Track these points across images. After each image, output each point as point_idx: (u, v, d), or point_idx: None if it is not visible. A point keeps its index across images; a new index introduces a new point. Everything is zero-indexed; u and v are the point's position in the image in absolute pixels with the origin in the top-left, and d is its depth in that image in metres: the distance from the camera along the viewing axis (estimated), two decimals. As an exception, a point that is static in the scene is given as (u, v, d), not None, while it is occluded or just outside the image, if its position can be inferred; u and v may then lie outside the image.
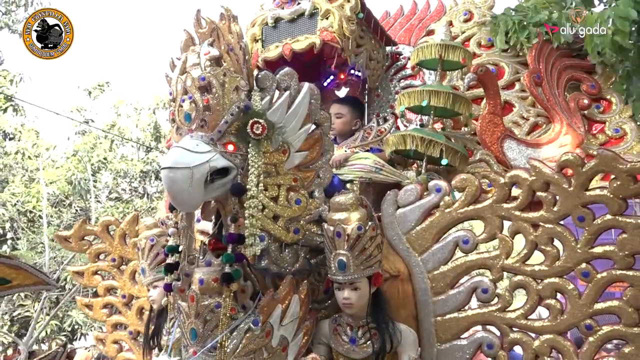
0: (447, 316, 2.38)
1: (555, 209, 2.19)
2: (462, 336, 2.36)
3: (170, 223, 2.11)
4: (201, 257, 2.03)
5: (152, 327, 2.68)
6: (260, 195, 1.99)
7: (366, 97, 3.49)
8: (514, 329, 2.28)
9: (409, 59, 3.38)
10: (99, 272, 3.31)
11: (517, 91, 3.07)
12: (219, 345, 1.88)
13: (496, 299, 2.33)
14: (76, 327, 9.22)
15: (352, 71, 3.40)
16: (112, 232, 3.23)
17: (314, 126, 2.23)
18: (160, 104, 11.55)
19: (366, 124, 3.31)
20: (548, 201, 2.21)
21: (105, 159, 10.67)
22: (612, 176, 2.09)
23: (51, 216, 9.60)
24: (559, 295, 2.23)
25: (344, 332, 2.12)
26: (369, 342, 2.06)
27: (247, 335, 1.91)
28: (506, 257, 2.31)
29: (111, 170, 10.88)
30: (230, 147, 1.98)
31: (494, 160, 2.73)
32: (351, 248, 2.02)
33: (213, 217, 2.26)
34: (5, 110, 10.13)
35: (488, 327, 2.37)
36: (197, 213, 2.99)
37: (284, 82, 2.14)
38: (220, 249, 1.99)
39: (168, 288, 2.03)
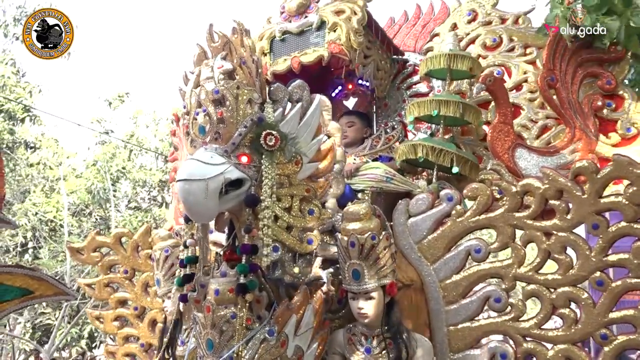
0: (460, 325, 2.38)
1: (568, 217, 2.19)
2: (475, 346, 2.36)
3: (186, 234, 2.13)
4: (216, 268, 2.04)
5: (167, 337, 2.68)
6: (274, 206, 2.01)
7: (374, 106, 3.51)
8: (528, 338, 2.28)
9: (415, 66, 3.39)
10: (110, 285, 3.32)
11: (525, 93, 3.05)
12: (235, 355, 1.88)
13: (509, 308, 2.33)
14: (95, 334, 9.31)
15: (360, 81, 3.43)
16: (124, 244, 3.25)
17: (325, 137, 2.25)
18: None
19: (374, 133, 3.32)
20: (561, 209, 2.21)
21: (124, 168, 10.81)
22: (627, 182, 2.08)
23: (72, 225, 9.75)
24: (573, 305, 2.23)
25: (358, 341, 2.12)
26: (384, 351, 2.06)
27: (263, 345, 1.92)
28: (519, 266, 2.31)
29: (130, 180, 11.02)
30: (244, 159, 2.00)
31: (505, 170, 2.74)
32: (365, 258, 2.03)
33: (226, 229, 2.28)
34: (23, 121, 10.26)
35: (501, 337, 2.36)
36: (211, 224, 3.04)
37: (295, 94, 2.16)
38: (235, 259, 2.00)
39: (184, 299, 2.04)
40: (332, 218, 2.21)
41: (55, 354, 8.61)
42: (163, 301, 2.68)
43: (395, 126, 3.31)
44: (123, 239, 3.26)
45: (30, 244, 9.59)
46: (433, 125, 3.10)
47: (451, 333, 2.38)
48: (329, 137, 2.24)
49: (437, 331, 2.40)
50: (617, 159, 2.09)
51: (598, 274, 2.15)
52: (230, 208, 2.02)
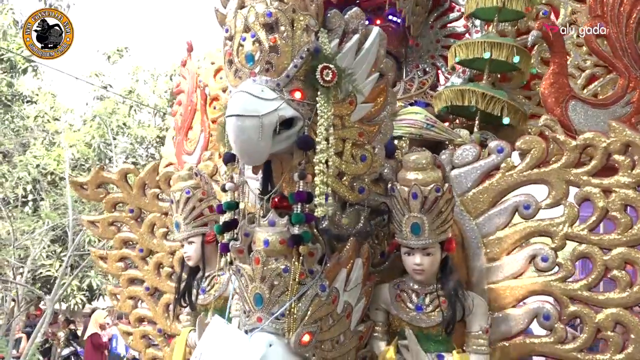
0: (501, 284, 2.26)
1: (635, 172, 2.05)
2: (516, 305, 2.26)
3: (225, 177, 1.91)
4: (262, 216, 1.84)
5: (184, 284, 2.52)
6: (329, 150, 1.80)
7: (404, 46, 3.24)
8: (575, 300, 2.18)
9: (452, 2, 3.12)
10: (115, 223, 3.09)
11: (573, 37, 2.83)
12: (287, 312, 1.73)
13: (556, 268, 2.22)
14: (95, 287, 9.35)
15: (390, 16, 3.13)
16: (130, 182, 3.00)
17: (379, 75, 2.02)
18: (177, 70, 11.43)
19: (404, 75, 3.08)
20: (626, 165, 2.07)
21: (124, 124, 10.69)
22: None
23: (61, 180, 9.54)
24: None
25: (408, 298, 1.99)
26: (437, 309, 1.93)
27: (315, 301, 1.77)
28: (571, 225, 2.19)
29: (130, 136, 10.91)
30: (298, 95, 1.77)
31: (558, 126, 2.56)
32: (428, 211, 1.86)
33: (260, 172, 2.06)
34: (25, 72, 9.98)
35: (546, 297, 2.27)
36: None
37: (352, 23, 1.92)
38: (285, 207, 1.81)
39: (225, 248, 1.85)
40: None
41: (56, 306, 8.56)
42: (182, 246, 2.49)
43: (428, 69, 3.08)
44: (129, 176, 3.00)
45: (30, 197, 9.46)
46: (468, 70, 2.88)
47: (492, 291, 2.26)
48: (382, 75, 2.01)
49: (476, 289, 2.27)
50: None
51: (661, 234, 2.04)
52: (281, 150, 1.80)
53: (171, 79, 11.59)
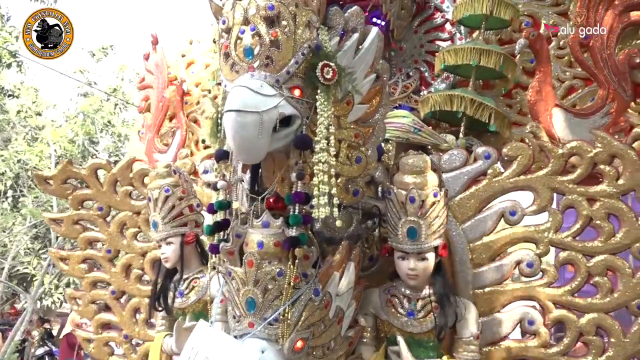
0: (487, 289, 2.26)
1: (619, 182, 2.10)
2: (501, 311, 2.27)
3: (216, 173, 1.81)
4: (255, 217, 1.76)
5: (159, 286, 2.40)
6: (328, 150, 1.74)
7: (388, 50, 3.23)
8: (558, 305, 2.21)
9: (436, 8, 3.13)
10: (80, 222, 2.91)
11: (554, 48, 2.88)
12: (280, 317, 1.65)
13: (541, 274, 2.24)
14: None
15: (374, 19, 3.12)
16: (101, 178, 2.84)
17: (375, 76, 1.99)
18: None
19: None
20: (611, 175, 2.11)
21: (109, 122, 10.56)
22: None
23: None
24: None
25: (400, 304, 1.96)
26: (429, 315, 1.91)
27: (308, 306, 1.70)
28: (555, 231, 2.22)
29: (114, 134, 10.76)
30: (297, 92, 1.71)
31: (543, 132, 2.60)
32: (424, 215, 1.83)
33: (248, 171, 1.99)
34: (9, 66, 9.61)
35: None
36: (205, 164, 2.71)
37: (352, 22, 1.88)
38: (279, 208, 1.74)
39: (214, 249, 1.76)
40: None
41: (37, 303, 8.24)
42: (160, 246, 2.37)
43: (412, 74, 3.07)
44: (100, 172, 2.84)
45: (10, 192, 9.15)
46: (451, 76, 2.89)
47: (477, 296, 2.26)
48: (377, 77, 1.98)
49: (461, 294, 2.26)
50: None
51: (642, 242, 2.09)
52: (276, 149, 1.73)
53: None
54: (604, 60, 2.62)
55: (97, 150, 9.69)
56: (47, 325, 8.60)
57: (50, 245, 7.49)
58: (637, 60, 2.71)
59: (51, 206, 7.93)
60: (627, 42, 2.77)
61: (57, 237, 7.34)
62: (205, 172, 2.67)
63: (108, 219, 2.90)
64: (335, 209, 1.67)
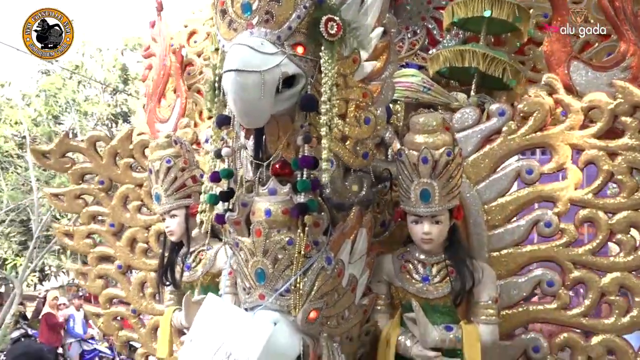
0: (504, 251, 2.19)
1: None
2: (518, 273, 2.20)
3: (214, 141, 1.72)
4: (261, 184, 1.67)
5: (166, 260, 2.34)
6: (333, 111, 1.64)
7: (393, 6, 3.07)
8: (578, 266, 2.13)
9: None
10: (82, 196, 2.84)
11: (570, 2, 2.72)
12: (292, 287, 1.58)
13: (560, 234, 2.16)
14: (45, 268, 8.93)
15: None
16: (100, 151, 2.75)
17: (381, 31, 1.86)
18: (129, 45, 11.09)
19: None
20: (633, 127, 2.01)
21: (73, 100, 10.23)
22: None
23: (18, 157, 9.08)
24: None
25: (414, 270, 1.88)
26: (445, 280, 1.84)
27: (321, 275, 1.63)
28: (575, 189, 2.13)
29: (79, 112, 10.44)
30: (300, 50, 1.59)
31: (560, 85, 2.48)
32: (438, 176, 1.74)
33: (251, 137, 1.89)
34: None
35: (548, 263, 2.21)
36: (207, 133, 2.60)
37: None
38: (285, 174, 1.65)
39: (220, 219, 1.68)
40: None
41: (2, 288, 8.24)
42: (163, 220, 2.29)
43: (418, 31, 2.93)
44: (99, 144, 2.75)
45: None
46: (461, 33, 2.75)
47: (493, 259, 2.19)
48: (385, 32, 1.86)
49: (476, 257, 2.18)
50: None
51: (667, 195, 2.00)
52: (280, 111, 1.63)
53: (122, 54, 11.27)
54: (624, 11, 2.48)
55: (62, 130, 9.44)
56: (21, 308, 8.64)
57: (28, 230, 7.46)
58: None
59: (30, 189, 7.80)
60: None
61: (40, 220, 7.23)
62: (207, 140, 2.56)
63: (110, 192, 2.82)
64: (329, 174, 1.57)
